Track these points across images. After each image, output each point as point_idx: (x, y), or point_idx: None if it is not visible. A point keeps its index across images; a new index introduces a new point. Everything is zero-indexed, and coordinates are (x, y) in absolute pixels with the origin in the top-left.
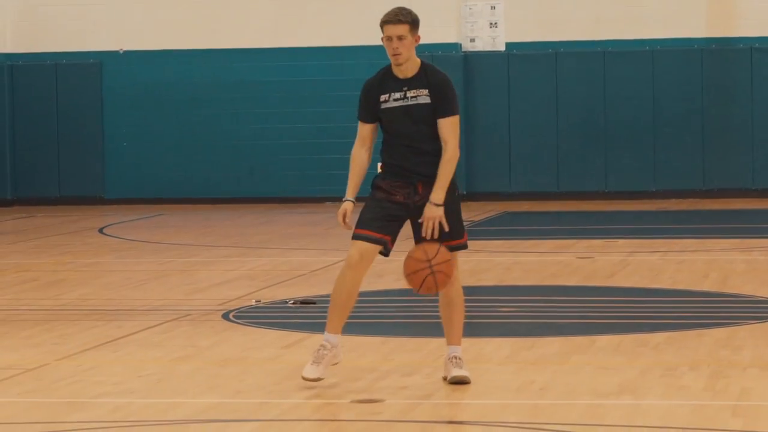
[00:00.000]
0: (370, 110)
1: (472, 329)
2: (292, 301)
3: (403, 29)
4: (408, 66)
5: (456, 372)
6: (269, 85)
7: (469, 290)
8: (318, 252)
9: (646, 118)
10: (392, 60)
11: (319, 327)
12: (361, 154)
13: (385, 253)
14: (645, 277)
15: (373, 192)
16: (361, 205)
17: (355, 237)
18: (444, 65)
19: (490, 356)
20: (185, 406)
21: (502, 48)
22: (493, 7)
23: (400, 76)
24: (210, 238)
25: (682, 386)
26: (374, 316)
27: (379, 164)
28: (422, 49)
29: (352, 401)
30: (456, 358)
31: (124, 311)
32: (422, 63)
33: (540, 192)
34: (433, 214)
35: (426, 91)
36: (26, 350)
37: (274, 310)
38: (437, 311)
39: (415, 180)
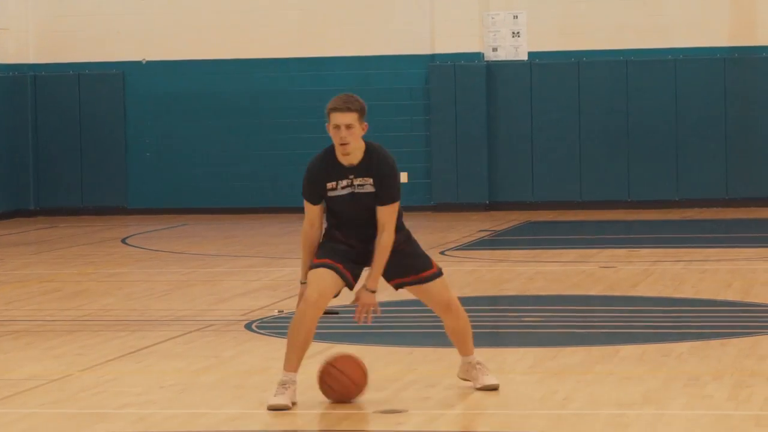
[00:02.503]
0: (316, 194)
1: (495, 339)
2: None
3: (351, 117)
4: (354, 154)
5: (486, 380)
6: (292, 95)
7: (491, 300)
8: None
9: (668, 127)
10: (339, 149)
11: (341, 337)
12: (312, 235)
13: (350, 286)
14: (668, 286)
15: (327, 241)
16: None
17: (312, 266)
18: (466, 74)
19: (513, 366)
20: (208, 416)
21: (525, 57)
22: (515, 17)
23: (346, 163)
24: (233, 248)
25: (705, 396)
26: (398, 326)
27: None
28: (446, 59)
29: (375, 411)
30: (479, 363)
31: (147, 322)
32: (366, 147)
33: (563, 201)
34: (368, 301)
35: (370, 180)
36: (49, 361)
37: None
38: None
39: (369, 240)
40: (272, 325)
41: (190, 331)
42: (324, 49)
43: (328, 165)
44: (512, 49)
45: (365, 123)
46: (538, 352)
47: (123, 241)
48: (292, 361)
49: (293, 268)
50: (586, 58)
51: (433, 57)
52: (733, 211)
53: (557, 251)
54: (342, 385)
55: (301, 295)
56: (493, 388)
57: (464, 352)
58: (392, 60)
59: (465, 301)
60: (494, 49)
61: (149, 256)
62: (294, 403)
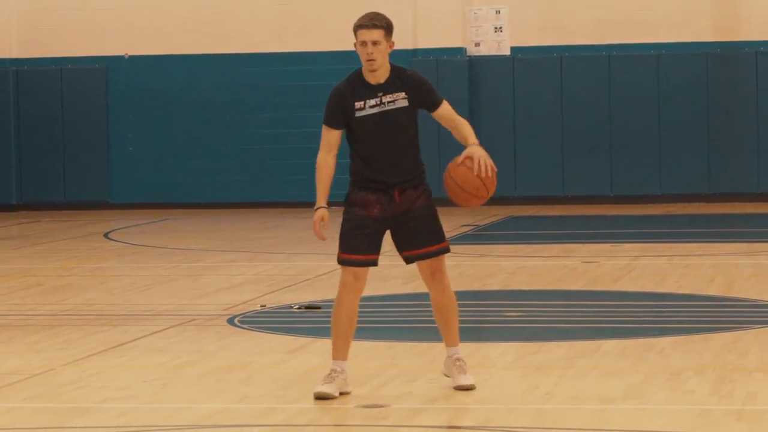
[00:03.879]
0: (341, 117)
1: (477, 334)
2: (297, 306)
3: (377, 34)
4: (381, 72)
5: (462, 380)
6: (275, 90)
7: (474, 295)
8: (324, 257)
9: (651, 122)
10: (366, 65)
11: (324, 332)
12: (329, 161)
13: (375, 264)
14: (650, 281)
15: (349, 209)
16: (334, 210)
17: (343, 263)
18: (449, 69)
19: (495, 361)
20: (190, 411)
21: (507, 52)
22: (498, 12)
23: (373, 81)
24: (215, 242)
25: (687, 391)
26: (379, 321)
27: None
28: (427, 53)
29: (357, 406)
30: (459, 360)
31: (129, 316)
32: (392, 66)
33: (545, 196)
34: (482, 152)
35: (402, 94)
36: (31, 355)
37: (279, 315)
38: None
39: (392, 190)
40: (255, 320)
41: (173, 326)
42: (306, 43)
43: (355, 85)
44: (495, 44)
45: (392, 41)
46: (521, 347)
47: (105, 235)
48: (340, 349)
49: (276, 263)
50: (568, 53)
51: (415, 52)
52: (715, 206)
53: (540, 246)
54: (457, 195)
55: (317, 220)
56: (468, 389)
57: (449, 342)
58: None
59: None
60: (477, 44)
61: (132, 251)
62: (344, 393)
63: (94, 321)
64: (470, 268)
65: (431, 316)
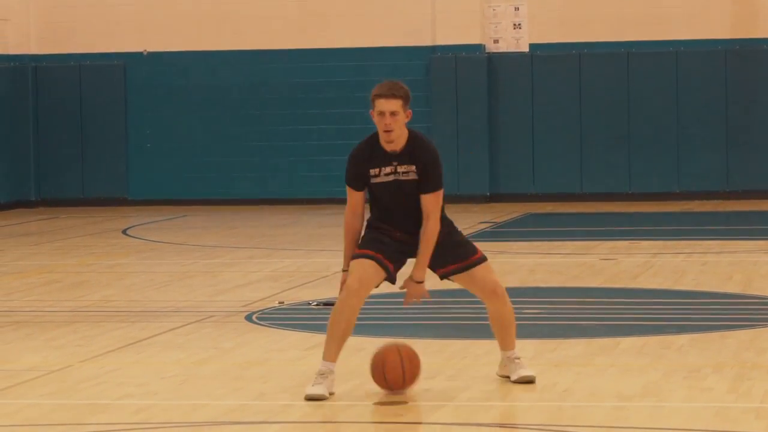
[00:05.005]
0: (359, 180)
1: None
2: (315, 303)
3: (396, 105)
4: (398, 141)
5: (523, 372)
6: (294, 86)
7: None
8: (341, 253)
9: (669, 119)
10: (383, 137)
11: None
12: (355, 223)
13: (391, 279)
14: (669, 278)
15: (371, 230)
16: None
17: (354, 256)
18: (467, 66)
19: None
20: (208, 408)
21: (526, 49)
22: (516, 9)
23: (389, 149)
24: (234, 239)
25: (705, 388)
26: (397, 318)
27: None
28: (447, 50)
29: (375, 403)
30: (518, 358)
31: (148, 313)
32: (410, 135)
33: (563, 193)
34: (416, 291)
35: (414, 167)
36: (49, 352)
37: (297, 311)
38: (462, 314)
39: (411, 230)
40: (273, 317)
41: (191, 323)
42: (324, 40)
43: (372, 151)
44: (513, 41)
45: (409, 110)
46: (539, 344)
47: (123, 232)
48: (332, 351)
49: (294, 260)
50: (587, 49)
51: (434, 49)
52: (734, 204)
53: (558, 243)
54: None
55: (343, 283)
56: (529, 380)
57: (505, 346)
58: (393, 52)
59: (465, 292)
60: (495, 41)
61: (150, 247)
62: (332, 393)
63: (112, 317)
64: None
65: (448, 314)
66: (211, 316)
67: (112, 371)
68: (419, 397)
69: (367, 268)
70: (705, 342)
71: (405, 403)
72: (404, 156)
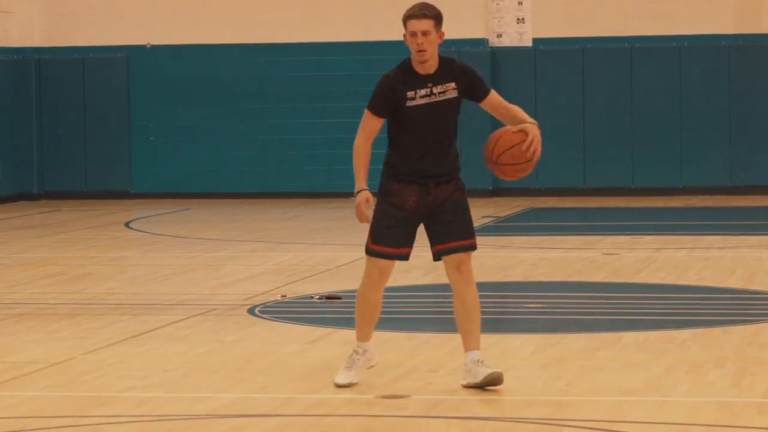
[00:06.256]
0: (390, 106)
1: (498, 325)
2: (317, 296)
3: (428, 24)
4: (431, 62)
5: (485, 371)
6: (296, 80)
7: (495, 286)
8: (344, 247)
9: (672, 114)
10: (416, 56)
11: (344, 322)
12: (367, 147)
13: (406, 258)
14: (671, 273)
15: (384, 198)
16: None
17: (372, 253)
18: (471, 60)
19: (515, 352)
20: (210, 400)
21: (529, 43)
22: (520, 3)
23: (422, 72)
24: (236, 232)
25: (707, 383)
26: (400, 312)
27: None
28: (449, 45)
29: (377, 396)
30: (479, 361)
31: (150, 306)
32: (441, 57)
33: (566, 188)
34: (536, 132)
35: (453, 84)
36: (52, 344)
37: (299, 305)
38: None
39: (428, 182)
40: (275, 310)
41: (193, 315)
42: (327, 34)
43: (406, 74)
44: (517, 35)
45: (442, 31)
46: (541, 339)
47: (126, 225)
48: (363, 331)
49: (296, 253)
50: (590, 44)
51: None
52: (736, 199)
53: (560, 238)
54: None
55: (363, 202)
56: (496, 380)
57: (470, 345)
58: (396, 46)
59: None
60: (499, 35)
61: (152, 241)
62: (371, 367)
63: (114, 310)
64: (491, 259)
65: (450, 308)
66: (214, 309)
67: (115, 364)
68: (421, 390)
69: (384, 266)
70: (707, 337)
71: (407, 396)
72: (439, 76)
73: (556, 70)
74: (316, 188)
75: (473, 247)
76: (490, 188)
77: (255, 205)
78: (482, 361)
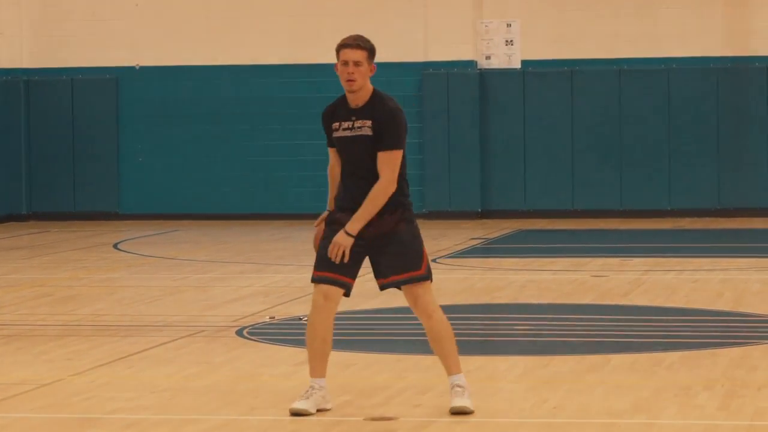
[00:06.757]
0: (329, 135)
1: (486, 347)
2: (305, 318)
3: (360, 55)
4: (360, 94)
5: (456, 402)
6: (285, 101)
7: (483, 308)
8: None
9: (661, 137)
10: (345, 85)
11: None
12: (336, 169)
13: (347, 294)
14: (659, 296)
15: (328, 228)
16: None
17: (313, 279)
18: (459, 82)
19: (503, 374)
20: (198, 422)
21: (518, 65)
22: (509, 25)
23: (352, 104)
24: (225, 254)
25: (696, 406)
26: (389, 334)
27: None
28: (438, 66)
29: (366, 418)
30: (458, 386)
31: (138, 327)
32: (374, 92)
33: (555, 210)
34: (342, 241)
35: (369, 122)
36: (40, 366)
37: (288, 326)
38: (455, 329)
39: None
40: (263, 332)
41: (181, 337)
42: (317, 55)
43: (337, 106)
44: (505, 57)
45: (374, 65)
46: (529, 361)
47: (115, 246)
48: (316, 368)
49: (285, 275)
50: (579, 66)
51: (426, 64)
52: (725, 221)
53: (549, 260)
54: None
55: (321, 220)
56: (463, 412)
57: (448, 370)
58: (385, 67)
59: (456, 308)
60: (487, 57)
61: (141, 262)
62: (323, 410)
63: (102, 332)
64: (479, 281)
65: None
66: (202, 331)
67: (103, 385)
68: (409, 413)
69: (327, 291)
70: (695, 359)
71: (395, 418)
72: (363, 111)
73: (545, 92)
74: (305, 209)
75: (420, 279)
76: (479, 210)
77: (244, 227)
78: (461, 386)
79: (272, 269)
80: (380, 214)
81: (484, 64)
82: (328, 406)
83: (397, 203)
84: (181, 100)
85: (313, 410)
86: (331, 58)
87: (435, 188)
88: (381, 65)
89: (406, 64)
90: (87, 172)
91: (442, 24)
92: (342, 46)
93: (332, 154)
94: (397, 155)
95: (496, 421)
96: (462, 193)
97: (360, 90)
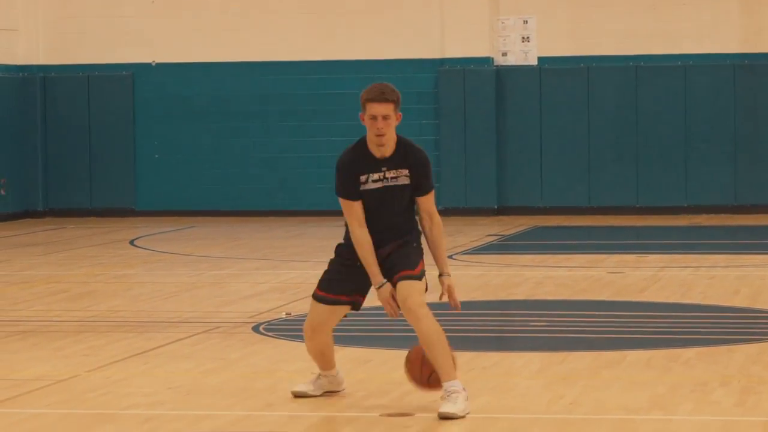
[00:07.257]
0: (353, 189)
1: (503, 343)
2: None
3: (388, 108)
4: (388, 145)
5: (443, 407)
6: (300, 98)
7: (500, 304)
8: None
9: (677, 133)
10: (375, 140)
11: (348, 340)
12: (365, 233)
13: (357, 307)
14: (676, 292)
15: (336, 256)
16: None
17: (314, 297)
18: (476, 79)
19: (520, 370)
20: (215, 418)
21: (535, 62)
22: (525, 21)
23: (378, 155)
24: (240, 250)
25: (712, 402)
26: (406, 330)
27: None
28: (455, 63)
29: (382, 414)
30: (449, 392)
31: (155, 323)
32: (399, 140)
33: (571, 206)
34: (452, 282)
35: (406, 171)
36: (56, 361)
37: (304, 322)
38: (469, 326)
39: (380, 246)
40: (280, 328)
41: (198, 333)
42: (333, 52)
43: (360, 157)
44: (522, 54)
45: (399, 113)
46: (546, 357)
47: (131, 242)
48: (324, 366)
49: (301, 271)
50: (595, 63)
51: (442, 61)
52: (741, 218)
53: (565, 256)
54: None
55: (388, 299)
56: (449, 417)
57: (442, 377)
58: (402, 64)
59: (473, 305)
60: (504, 54)
61: (157, 258)
62: (334, 392)
63: (119, 328)
64: (496, 277)
65: (455, 326)
66: (218, 327)
67: (119, 381)
68: (426, 408)
69: (321, 313)
70: (712, 355)
71: (412, 414)
72: (394, 161)
73: (561, 89)
74: (321, 206)
75: (414, 277)
76: (496, 207)
77: (259, 223)
78: (453, 392)
79: (288, 266)
80: (388, 242)
81: (500, 60)
82: (339, 389)
83: (411, 229)
84: (197, 96)
85: (317, 393)
86: (345, 54)
87: (451, 185)
88: (398, 62)
89: (423, 60)
90: (103, 168)
91: (458, 20)
92: (368, 100)
93: (357, 210)
94: (433, 193)
95: (512, 417)
96: (478, 189)
97: (389, 141)
